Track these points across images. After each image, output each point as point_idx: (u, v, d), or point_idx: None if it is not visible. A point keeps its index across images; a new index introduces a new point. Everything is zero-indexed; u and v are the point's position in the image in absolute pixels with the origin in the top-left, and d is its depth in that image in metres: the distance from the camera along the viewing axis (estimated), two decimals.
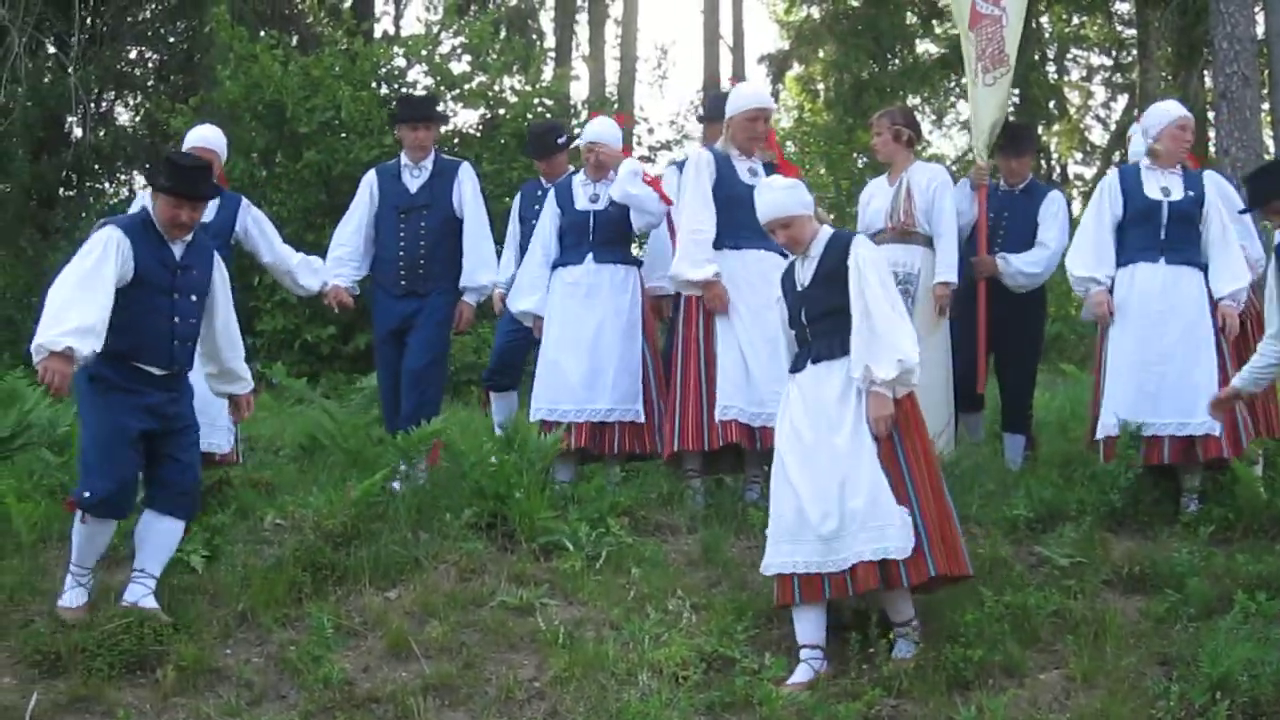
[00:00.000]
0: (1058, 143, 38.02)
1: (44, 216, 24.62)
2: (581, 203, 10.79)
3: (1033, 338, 11.57)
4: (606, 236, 10.69)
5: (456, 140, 20.84)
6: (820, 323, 8.07)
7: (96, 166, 25.59)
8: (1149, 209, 10.08)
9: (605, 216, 10.70)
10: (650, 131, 25.25)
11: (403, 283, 11.03)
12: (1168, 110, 10.45)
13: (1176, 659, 7.99)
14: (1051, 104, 34.10)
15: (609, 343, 10.48)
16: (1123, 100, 38.64)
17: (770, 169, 10.05)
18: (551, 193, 11.10)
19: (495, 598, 8.67)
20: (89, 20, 25.41)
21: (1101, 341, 10.27)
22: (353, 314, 15.85)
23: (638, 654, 8.03)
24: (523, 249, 11.39)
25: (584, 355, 10.45)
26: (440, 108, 11.71)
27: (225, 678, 7.95)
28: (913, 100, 34.86)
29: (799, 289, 8.21)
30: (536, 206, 11.45)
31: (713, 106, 11.56)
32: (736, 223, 9.88)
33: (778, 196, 8.22)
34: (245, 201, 10.57)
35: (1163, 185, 10.16)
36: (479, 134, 21.09)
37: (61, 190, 25.52)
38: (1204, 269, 10.02)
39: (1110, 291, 10.11)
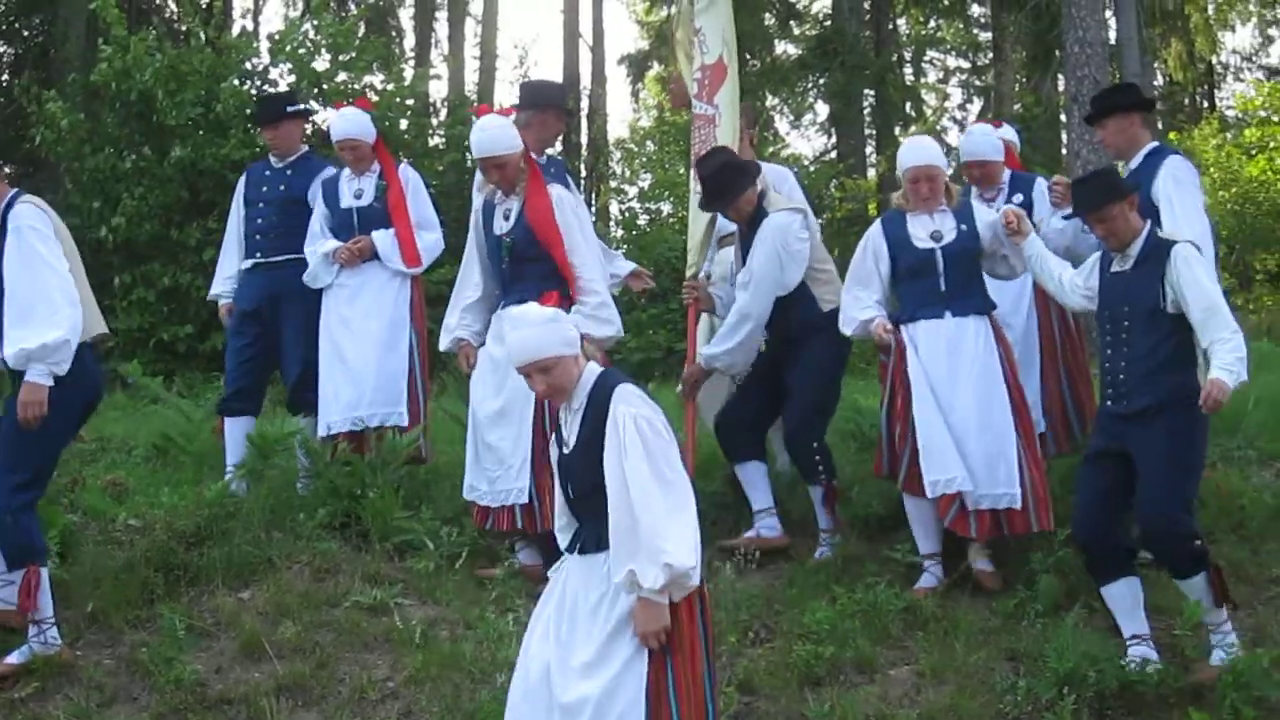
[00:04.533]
0: None
1: None
2: (346, 199, 10.31)
3: (811, 367, 9.56)
4: (370, 232, 10.18)
5: (318, 140, 20.72)
6: (588, 500, 6.25)
7: None
8: (922, 261, 9.11)
9: (370, 213, 10.24)
10: None
11: None
12: (902, 158, 9.39)
13: (1024, 654, 8.14)
14: (908, 106, 34.42)
15: (369, 345, 10.04)
16: (979, 103, 39.10)
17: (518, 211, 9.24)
18: (319, 187, 10.50)
19: (349, 597, 8.66)
20: None
21: (889, 373, 9.15)
22: (208, 312, 15.76)
23: (492, 653, 8.05)
24: (246, 236, 10.66)
25: (346, 360, 10.04)
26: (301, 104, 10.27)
27: (75, 680, 7.91)
28: (771, 100, 35.12)
29: (564, 451, 6.42)
30: (265, 189, 10.69)
31: (528, 96, 10.51)
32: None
33: (532, 335, 6.27)
34: None
35: (933, 230, 9.17)
36: None
37: None
38: (989, 311, 9.16)
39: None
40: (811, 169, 26.17)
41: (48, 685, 7.79)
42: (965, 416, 8.85)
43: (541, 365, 6.21)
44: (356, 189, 10.31)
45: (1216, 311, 7.78)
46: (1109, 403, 8.16)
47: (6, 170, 8.80)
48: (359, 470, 9.51)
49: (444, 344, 9.62)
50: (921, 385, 8.90)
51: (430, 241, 10.33)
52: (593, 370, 6.33)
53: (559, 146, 10.78)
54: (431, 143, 21.79)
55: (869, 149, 33.79)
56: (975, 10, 38.36)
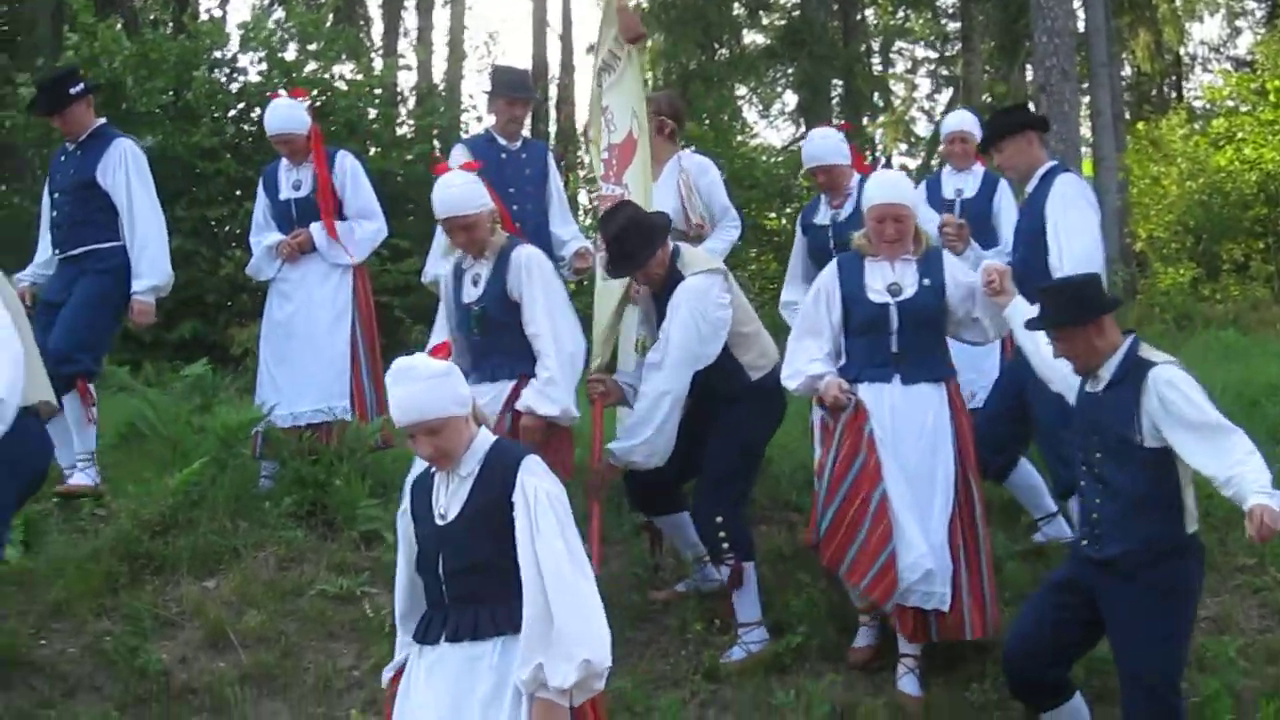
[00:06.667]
0: (883, 135, 38.42)
1: None
2: (285, 191, 10.17)
3: (726, 435, 8.39)
4: (310, 224, 10.04)
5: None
6: (463, 580, 5.52)
7: None
8: (874, 317, 8.04)
9: (308, 204, 10.08)
10: (479, 120, 25.19)
11: None
12: (868, 194, 8.20)
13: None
14: (876, 96, 34.50)
15: (309, 338, 9.92)
16: (947, 93, 39.19)
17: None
18: (261, 179, 10.44)
19: (314, 586, 8.64)
20: None
21: (838, 432, 7.93)
22: (174, 301, 15.69)
23: None
24: (51, 229, 10.07)
25: (286, 353, 9.95)
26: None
27: (39, 669, 7.89)
28: (740, 90, 35.10)
29: (438, 523, 5.58)
30: (59, 176, 10.09)
31: (501, 82, 10.29)
32: None
33: (418, 391, 5.45)
34: None
35: (891, 282, 8.08)
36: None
37: None
38: (947, 379, 8.12)
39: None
40: (780, 158, 26.07)
41: (11, 676, 7.78)
42: (899, 495, 7.74)
43: (429, 426, 5.44)
44: (295, 180, 10.20)
45: (1228, 433, 6.54)
46: (1083, 542, 7.05)
47: None
48: (325, 458, 9.48)
49: None
50: (888, 456, 7.80)
51: (370, 231, 10.20)
52: (486, 436, 5.63)
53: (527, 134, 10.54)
54: (400, 132, 21.72)
55: None
56: (944, 1, 38.44)
